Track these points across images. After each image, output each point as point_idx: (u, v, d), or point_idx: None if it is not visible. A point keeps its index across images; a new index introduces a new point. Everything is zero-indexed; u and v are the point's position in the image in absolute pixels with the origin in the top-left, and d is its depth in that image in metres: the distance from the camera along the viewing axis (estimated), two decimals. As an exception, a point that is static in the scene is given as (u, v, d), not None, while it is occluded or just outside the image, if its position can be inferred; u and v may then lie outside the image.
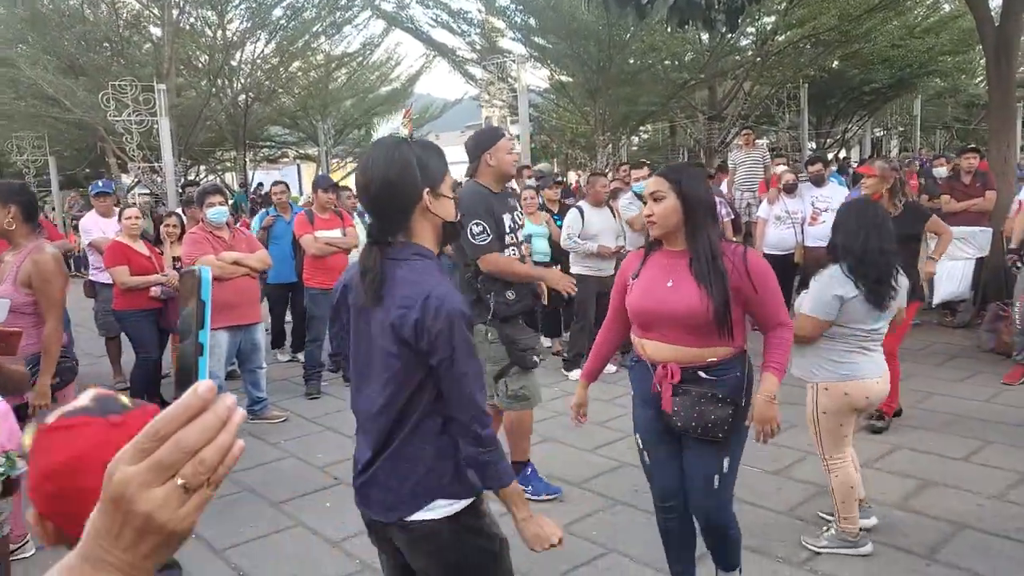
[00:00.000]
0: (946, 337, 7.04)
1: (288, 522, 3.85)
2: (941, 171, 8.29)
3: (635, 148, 24.06)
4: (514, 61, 13.86)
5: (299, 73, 19.64)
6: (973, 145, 8.65)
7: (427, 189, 1.76)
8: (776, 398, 2.49)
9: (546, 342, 7.27)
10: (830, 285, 3.18)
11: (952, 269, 6.92)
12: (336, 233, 6.04)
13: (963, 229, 6.71)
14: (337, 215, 6.19)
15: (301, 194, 21.23)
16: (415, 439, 1.80)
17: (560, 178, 16.19)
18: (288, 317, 7.20)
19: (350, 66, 20.91)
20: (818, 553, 3.31)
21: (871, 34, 15.08)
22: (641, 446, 2.70)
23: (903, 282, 3.30)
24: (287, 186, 7.27)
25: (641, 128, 21.73)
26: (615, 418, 5.03)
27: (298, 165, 26.18)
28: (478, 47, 16.16)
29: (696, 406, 2.44)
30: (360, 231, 6.65)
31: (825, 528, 3.43)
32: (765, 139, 17.87)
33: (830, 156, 16.72)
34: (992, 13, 8.06)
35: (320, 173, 12.28)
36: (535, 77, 15.84)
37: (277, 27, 17.42)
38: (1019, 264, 5.56)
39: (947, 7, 17.29)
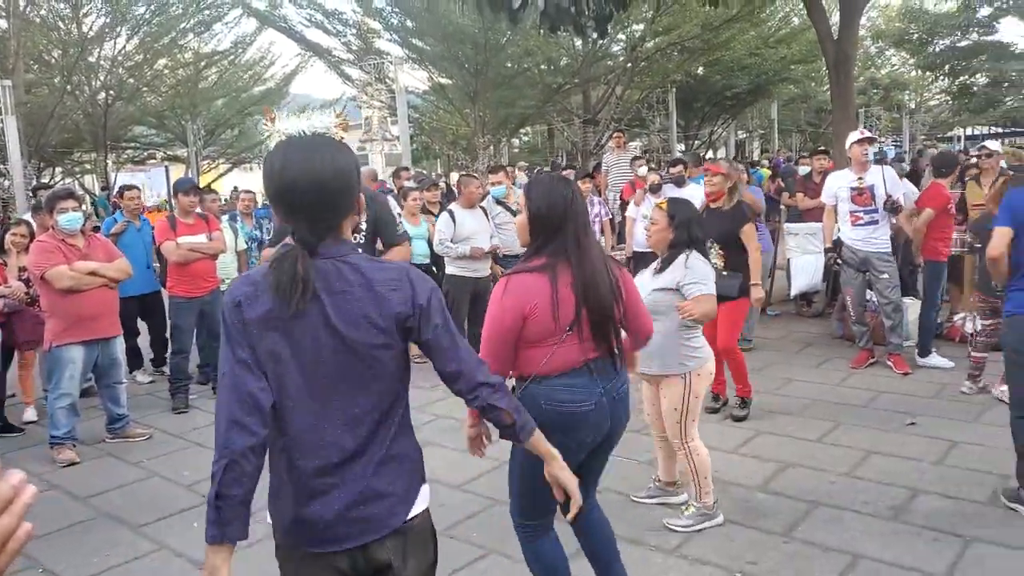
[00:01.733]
0: (803, 326, 7.55)
1: (150, 547, 3.63)
2: (807, 168, 8.93)
3: (516, 150, 24.42)
4: (391, 62, 13.74)
5: (166, 71, 18.70)
6: (823, 148, 9.33)
7: (360, 193, 1.78)
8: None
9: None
10: (704, 264, 3.46)
11: (806, 263, 7.45)
12: (201, 238, 5.76)
13: (813, 225, 7.22)
14: (202, 219, 5.91)
15: (169, 196, 20.15)
16: (402, 434, 1.77)
17: (444, 179, 16.18)
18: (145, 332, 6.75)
19: (221, 65, 20.11)
20: (677, 532, 3.50)
21: (730, 43, 16.07)
22: None
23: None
24: (139, 191, 6.84)
25: (521, 131, 22.06)
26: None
27: (166, 167, 24.78)
28: (354, 48, 15.90)
29: None
30: (228, 235, 6.37)
31: (684, 507, 3.63)
32: (638, 142, 18.61)
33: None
34: (832, 29, 8.74)
35: (182, 176, 11.68)
36: (414, 79, 15.76)
37: (140, 23, 16.47)
38: (838, 262, 6.03)
39: (796, 20, 18.60)
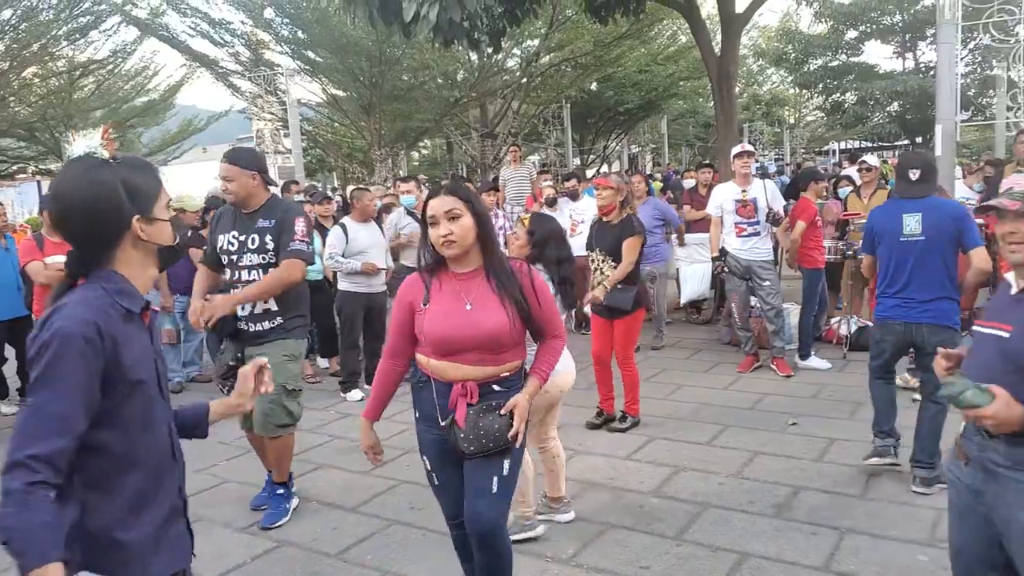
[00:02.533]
0: (693, 333, 7.82)
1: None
2: (692, 182, 9.26)
3: (416, 163, 24.33)
4: (283, 74, 13.38)
5: (36, 80, 17.51)
6: (708, 161, 9.74)
7: (136, 216, 1.60)
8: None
9: (323, 363, 7.05)
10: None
11: (694, 272, 7.74)
12: (72, 258, 5.40)
13: (701, 236, 7.51)
14: (74, 238, 5.55)
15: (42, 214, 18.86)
16: (73, 496, 1.52)
17: (340, 193, 15.88)
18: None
19: (99, 74, 19.02)
20: (524, 540, 3.47)
21: (621, 59, 16.63)
22: (428, 467, 2.66)
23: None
24: (3, 208, 6.38)
25: (420, 144, 21.98)
26: (394, 435, 4.94)
27: (38, 182, 23.24)
28: (243, 59, 15.39)
29: (478, 421, 2.45)
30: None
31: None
32: (535, 156, 18.90)
33: (591, 172, 18.01)
34: (715, 46, 9.17)
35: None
36: (306, 91, 15.38)
37: (4, 28, 15.37)
38: (724, 270, 6.30)
39: (683, 38, 19.43)
